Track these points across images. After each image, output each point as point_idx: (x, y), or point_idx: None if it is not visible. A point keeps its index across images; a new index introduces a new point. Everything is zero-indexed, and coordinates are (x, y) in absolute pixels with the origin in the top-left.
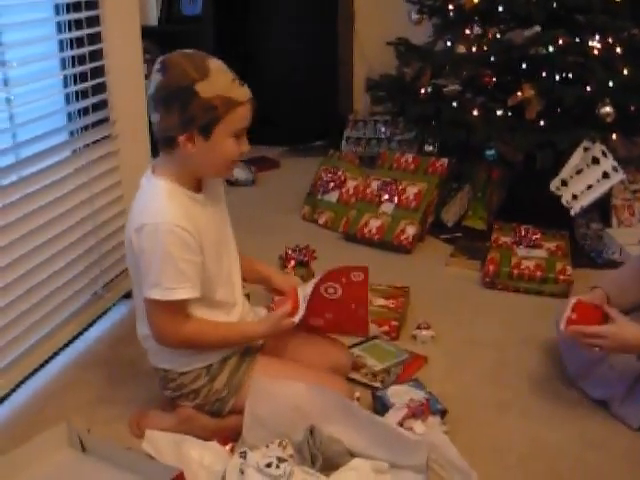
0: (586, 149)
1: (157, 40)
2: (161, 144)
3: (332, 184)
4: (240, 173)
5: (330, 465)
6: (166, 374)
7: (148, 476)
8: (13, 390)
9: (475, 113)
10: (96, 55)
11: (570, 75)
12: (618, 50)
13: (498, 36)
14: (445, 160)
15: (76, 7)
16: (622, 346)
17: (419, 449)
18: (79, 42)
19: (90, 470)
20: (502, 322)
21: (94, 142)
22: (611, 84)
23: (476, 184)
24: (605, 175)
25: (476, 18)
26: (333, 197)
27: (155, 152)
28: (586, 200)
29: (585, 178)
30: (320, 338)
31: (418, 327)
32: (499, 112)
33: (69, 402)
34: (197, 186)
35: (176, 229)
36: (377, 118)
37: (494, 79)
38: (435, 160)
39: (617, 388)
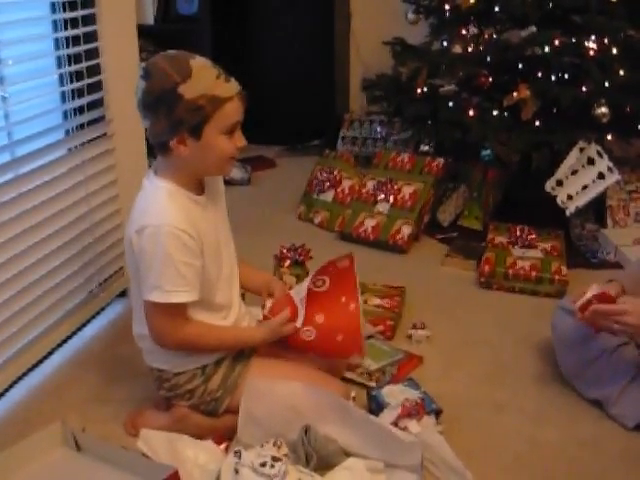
0: (582, 149)
1: (153, 39)
2: (156, 149)
3: (328, 183)
4: (236, 172)
5: (325, 464)
6: (161, 374)
7: (143, 475)
8: (8, 388)
9: (471, 113)
10: (92, 53)
11: (566, 75)
12: (614, 51)
13: (494, 36)
14: (441, 160)
15: (72, 5)
16: None
17: (414, 449)
18: (75, 40)
19: (85, 469)
20: (497, 322)
21: (90, 140)
22: (607, 85)
23: (472, 184)
24: (600, 176)
25: (472, 18)
26: (329, 196)
27: (151, 151)
28: (581, 200)
29: (580, 178)
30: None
31: (413, 327)
32: (495, 112)
33: (64, 401)
34: (198, 186)
35: (177, 232)
36: (373, 118)
37: (490, 79)
38: (431, 160)
39: (612, 388)
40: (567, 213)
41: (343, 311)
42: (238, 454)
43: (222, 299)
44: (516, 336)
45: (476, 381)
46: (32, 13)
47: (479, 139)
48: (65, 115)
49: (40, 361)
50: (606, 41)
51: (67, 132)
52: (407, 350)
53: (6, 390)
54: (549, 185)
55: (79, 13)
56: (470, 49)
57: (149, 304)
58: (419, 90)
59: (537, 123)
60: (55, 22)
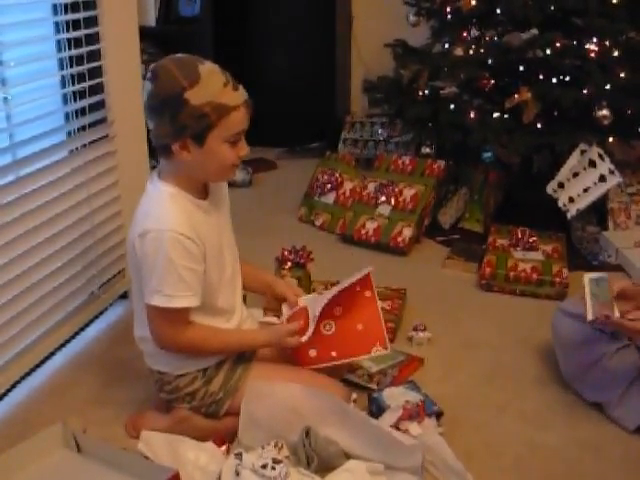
0: (583, 152)
1: (155, 41)
2: (158, 151)
3: (329, 186)
4: (237, 174)
5: (325, 466)
6: (162, 376)
7: (144, 477)
8: (9, 390)
9: (472, 115)
10: (94, 55)
11: (567, 78)
12: (615, 53)
13: (495, 39)
14: (442, 162)
15: (74, 7)
16: None
17: (414, 452)
18: (77, 42)
19: (85, 471)
20: (498, 324)
21: (91, 142)
22: (608, 87)
23: (473, 186)
24: (602, 178)
25: (474, 21)
26: (330, 199)
27: (153, 153)
28: (583, 203)
29: (582, 181)
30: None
31: (414, 329)
32: (496, 115)
33: (65, 402)
34: (202, 190)
35: (180, 237)
36: (374, 120)
37: (491, 82)
38: (432, 162)
39: (613, 391)
40: (568, 215)
41: (360, 302)
42: (239, 456)
43: (224, 303)
44: (517, 338)
45: (477, 383)
46: (34, 15)
47: (480, 141)
48: (67, 117)
49: (41, 362)
50: (607, 43)
51: (69, 134)
52: (408, 352)
53: (7, 391)
54: (550, 187)
55: (81, 15)
56: (471, 51)
57: (151, 308)
58: (420, 92)
59: (538, 125)
60: (57, 24)
